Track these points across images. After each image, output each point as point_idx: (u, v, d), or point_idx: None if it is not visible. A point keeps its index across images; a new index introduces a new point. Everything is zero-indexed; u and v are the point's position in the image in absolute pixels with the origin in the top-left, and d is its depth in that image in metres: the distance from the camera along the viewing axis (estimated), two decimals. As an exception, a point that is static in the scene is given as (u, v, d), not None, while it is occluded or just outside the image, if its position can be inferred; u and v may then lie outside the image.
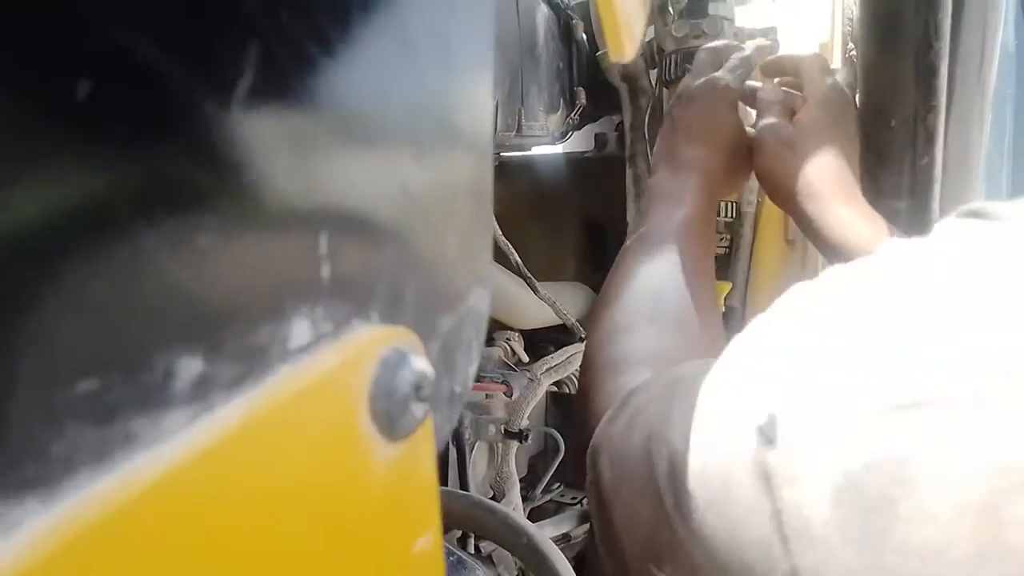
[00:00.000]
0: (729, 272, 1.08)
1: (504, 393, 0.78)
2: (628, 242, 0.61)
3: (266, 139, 0.16)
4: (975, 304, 0.21)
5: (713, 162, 0.65)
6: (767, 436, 0.23)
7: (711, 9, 1.01)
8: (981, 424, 0.19)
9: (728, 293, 1.07)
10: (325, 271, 0.18)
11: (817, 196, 0.62)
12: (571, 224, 1.32)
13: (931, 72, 0.61)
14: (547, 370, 0.75)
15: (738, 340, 0.29)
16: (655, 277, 0.53)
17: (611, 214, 1.23)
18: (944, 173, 0.71)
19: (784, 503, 0.22)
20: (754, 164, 0.68)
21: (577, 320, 1.23)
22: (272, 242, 0.17)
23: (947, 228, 0.26)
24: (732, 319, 1.07)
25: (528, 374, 0.75)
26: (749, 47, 0.97)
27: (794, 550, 0.21)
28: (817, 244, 0.64)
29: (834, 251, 0.62)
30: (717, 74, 0.67)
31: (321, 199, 0.18)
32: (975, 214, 0.26)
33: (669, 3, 1.03)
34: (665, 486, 0.28)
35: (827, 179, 0.62)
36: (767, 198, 1.14)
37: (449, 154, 0.24)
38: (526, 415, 0.73)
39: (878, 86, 0.72)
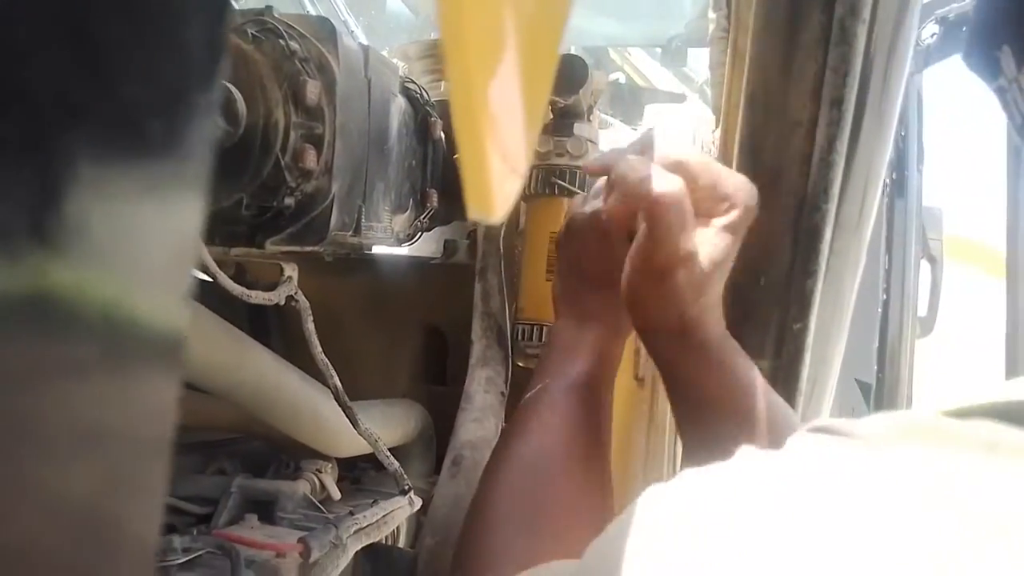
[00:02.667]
0: (575, 407, 1.00)
1: (300, 554, 0.63)
2: (524, 399, 0.55)
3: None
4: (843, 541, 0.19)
5: (612, 304, 0.58)
6: None
7: (576, 129, 0.96)
8: None
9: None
10: None
11: (724, 339, 0.54)
12: (411, 332, 1.21)
13: (815, 235, 0.56)
14: (356, 532, 0.61)
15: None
16: (536, 462, 0.49)
17: (456, 325, 1.13)
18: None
19: None
20: (641, 286, 0.53)
21: (408, 441, 1.09)
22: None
23: (804, 446, 0.24)
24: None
25: (332, 535, 0.60)
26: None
27: None
28: (690, 391, 0.55)
29: (712, 403, 0.53)
30: (586, 206, 0.59)
31: None
32: (826, 430, 0.24)
33: (535, 115, 0.97)
34: None
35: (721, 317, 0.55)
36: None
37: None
38: (323, 589, 0.58)
39: (750, 240, 0.66)
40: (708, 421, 0.53)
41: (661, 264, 0.50)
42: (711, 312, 0.53)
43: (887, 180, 1.44)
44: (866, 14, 0.47)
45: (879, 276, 1.39)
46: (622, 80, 3.08)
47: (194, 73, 0.11)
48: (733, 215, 0.50)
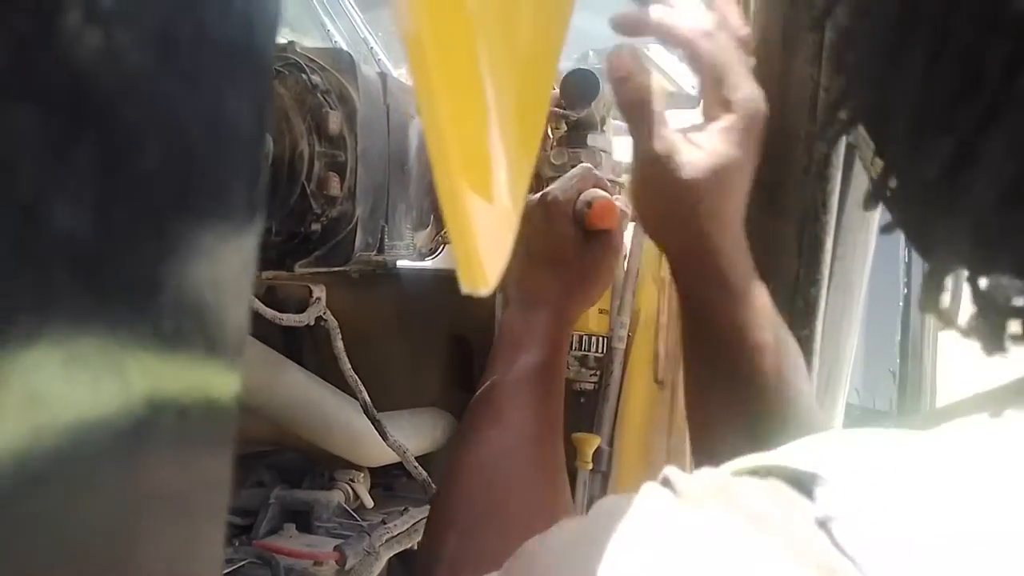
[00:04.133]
0: (597, 410, 1.02)
1: (336, 561, 0.66)
2: (475, 397, 0.57)
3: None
4: None
5: (558, 287, 0.60)
6: None
7: (590, 141, 0.98)
8: None
9: (595, 432, 1.01)
10: None
11: (747, 274, 0.51)
12: (437, 342, 1.24)
13: (817, 244, 0.58)
14: (388, 540, 0.64)
15: None
16: (493, 459, 0.50)
17: (479, 333, 1.16)
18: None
19: None
20: (650, 205, 0.52)
21: (437, 448, 1.13)
22: None
23: (647, 497, 0.28)
24: (599, 461, 1.01)
25: (366, 543, 0.64)
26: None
27: None
28: (704, 327, 0.52)
29: (731, 343, 0.51)
30: (549, 188, 0.61)
31: None
32: (667, 483, 0.28)
33: (548, 130, 1.00)
34: None
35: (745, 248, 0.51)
36: (637, 335, 1.11)
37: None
38: (360, 595, 0.62)
39: (757, 248, 0.68)
40: (718, 372, 0.52)
41: (641, 169, 0.49)
42: (725, 236, 0.50)
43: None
44: (855, 36, 0.49)
45: (900, 270, 1.40)
46: (640, 79, 3.09)
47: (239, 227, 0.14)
48: (729, 119, 0.48)
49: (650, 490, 0.29)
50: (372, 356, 1.19)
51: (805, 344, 0.64)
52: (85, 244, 0.10)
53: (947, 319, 0.31)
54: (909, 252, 1.42)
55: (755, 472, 0.28)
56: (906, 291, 1.41)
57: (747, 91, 0.49)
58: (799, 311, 0.63)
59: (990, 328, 0.29)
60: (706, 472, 0.29)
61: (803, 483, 0.25)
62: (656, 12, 0.51)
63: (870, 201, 0.34)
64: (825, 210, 0.56)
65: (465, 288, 0.20)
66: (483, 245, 0.19)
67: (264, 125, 0.13)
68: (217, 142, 0.12)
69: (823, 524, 0.23)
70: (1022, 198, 0.27)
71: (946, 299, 0.31)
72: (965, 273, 0.30)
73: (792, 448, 0.29)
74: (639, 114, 0.49)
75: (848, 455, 0.27)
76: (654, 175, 0.49)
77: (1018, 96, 0.25)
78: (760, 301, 0.51)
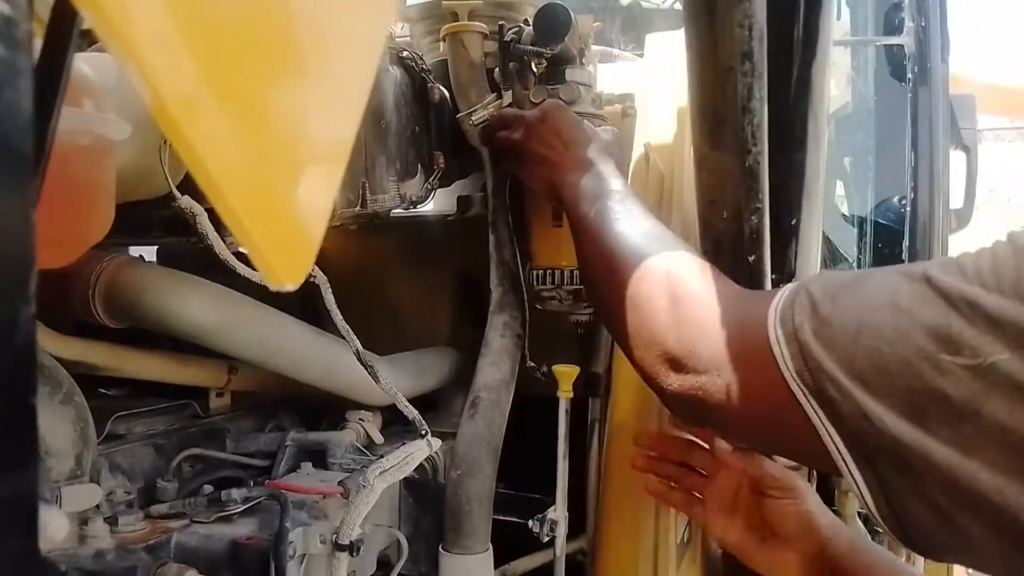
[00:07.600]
0: (594, 340, 1.06)
1: (341, 494, 0.73)
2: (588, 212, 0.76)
3: None
4: None
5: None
6: None
7: (568, 75, 0.99)
8: None
9: (594, 360, 1.05)
10: None
11: None
12: (446, 281, 1.29)
13: (752, 176, 0.60)
14: (381, 473, 0.71)
15: None
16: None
17: (485, 270, 1.20)
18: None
19: None
20: None
21: (446, 384, 1.19)
22: None
23: None
24: (597, 385, 1.05)
25: (363, 477, 0.70)
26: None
27: None
28: None
29: None
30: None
31: None
32: None
33: (533, 66, 1.01)
34: None
35: None
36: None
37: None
38: (357, 523, 0.68)
39: (709, 178, 0.71)
40: None
41: None
42: None
43: (910, 74, 1.41)
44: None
45: (906, 173, 1.38)
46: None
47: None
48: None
49: None
50: (385, 300, 1.25)
51: (755, 267, 0.67)
52: None
53: None
54: (916, 153, 1.40)
55: None
56: (913, 196, 1.40)
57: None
58: (748, 239, 0.66)
59: None
60: None
61: None
62: None
63: None
64: (755, 142, 0.58)
65: (270, 284, 0.23)
66: (278, 249, 0.23)
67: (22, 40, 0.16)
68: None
69: None
70: None
71: None
72: None
73: None
74: None
75: None
76: None
77: None
78: None
